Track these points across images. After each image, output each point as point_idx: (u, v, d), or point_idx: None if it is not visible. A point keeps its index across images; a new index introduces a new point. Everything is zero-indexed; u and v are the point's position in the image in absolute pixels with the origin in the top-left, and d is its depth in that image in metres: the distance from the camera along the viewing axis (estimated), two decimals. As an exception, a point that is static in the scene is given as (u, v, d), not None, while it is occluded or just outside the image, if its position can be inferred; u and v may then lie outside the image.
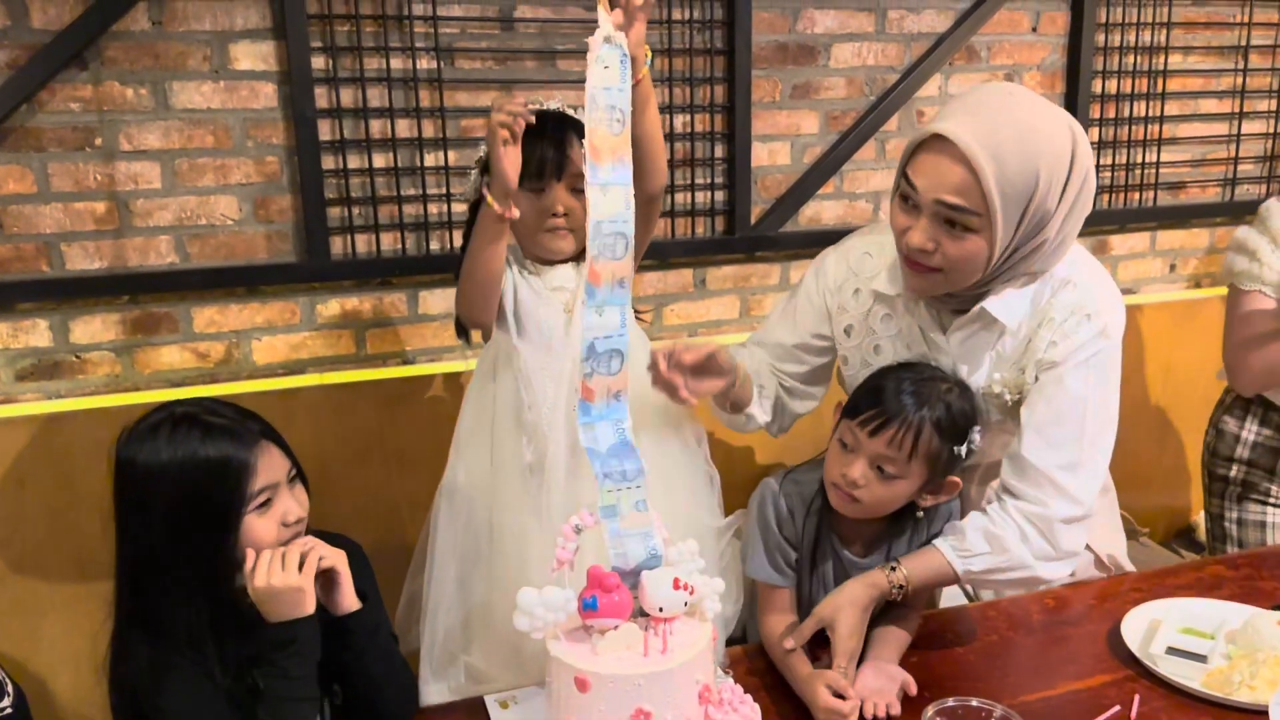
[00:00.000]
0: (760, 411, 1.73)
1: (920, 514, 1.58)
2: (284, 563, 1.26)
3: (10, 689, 1.26)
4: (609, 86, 1.29)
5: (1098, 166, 2.80)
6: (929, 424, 1.47)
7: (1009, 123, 1.41)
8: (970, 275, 1.48)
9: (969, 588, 1.78)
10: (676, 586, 1.30)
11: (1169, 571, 1.85)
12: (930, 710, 0.93)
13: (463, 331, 1.75)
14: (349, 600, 1.33)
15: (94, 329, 2.11)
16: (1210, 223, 2.98)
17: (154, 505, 1.28)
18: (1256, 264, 1.97)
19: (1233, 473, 2.15)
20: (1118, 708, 1.40)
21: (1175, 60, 2.80)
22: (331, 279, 2.23)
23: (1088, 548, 1.80)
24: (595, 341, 1.29)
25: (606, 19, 1.33)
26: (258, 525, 1.30)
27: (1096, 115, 2.77)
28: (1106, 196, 2.85)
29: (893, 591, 1.51)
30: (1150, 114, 2.81)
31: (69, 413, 2.06)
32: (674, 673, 1.24)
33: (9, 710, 1.24)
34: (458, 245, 2.27)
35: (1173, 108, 2.84)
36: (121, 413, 2.09)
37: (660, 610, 1.30)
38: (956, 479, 1.54)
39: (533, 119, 1.45)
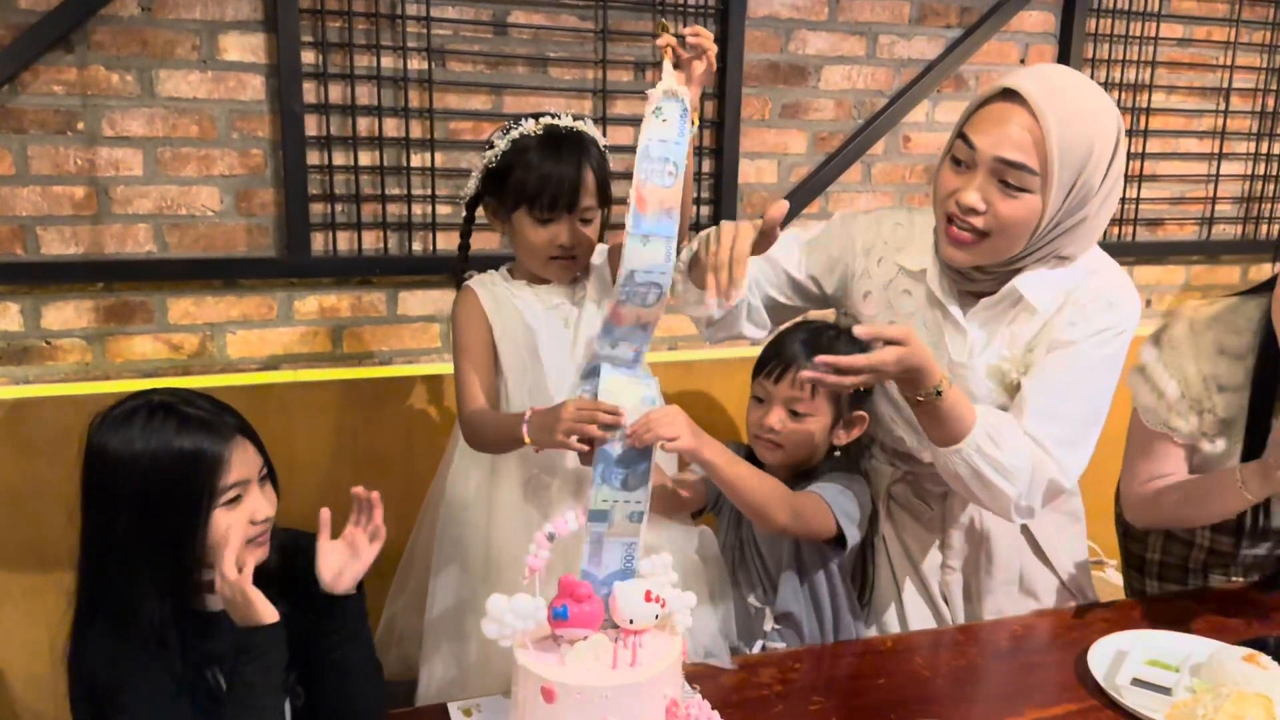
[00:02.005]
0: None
1: (837, 453, 1.69)
2: (232, 582, 1.23)
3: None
4: (665, 139, 1.30)
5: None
6: None
7: (1073, 92, 1.47)
8: (1016, 241, 1.49)
9: (939, 601, 1.79)
10: (648, 599, 1.29)
11: (1136, 603, 1.86)
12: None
13: None
14: (346, 582, 1.31)
15: (66, 315, 2.08)
16: (1186, 260, 3.02)
17: (123, 494, 1.25)
18: (1163, 404, 1.70)
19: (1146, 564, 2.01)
20: (1082, 737, 1.41)
21: (1159, 99, 2.85)
22: (311, 275, 2.22)
23: (1055, 574, 1.81)
24: (635, 271, 1.29)
25: (671, 74, 1.35)
26: (225, 521, 1.28)
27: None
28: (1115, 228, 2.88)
29: (937, 381, 1.44)
30: (1132, 150, 2.85)
31: (37, 399, 2.03)
32: (642, 686, 1.23)
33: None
34: (440, 247, 2.28)
35: (1154, 145, 2.88)
36: (91, 401, 2.03)
37: (631, 622, 1.29)
38: (864, 413, 1.68)
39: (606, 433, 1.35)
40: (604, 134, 2.31)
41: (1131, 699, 1.48)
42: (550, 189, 1.55)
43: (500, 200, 1.62)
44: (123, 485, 1.25)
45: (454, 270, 1.73)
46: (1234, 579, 1.89)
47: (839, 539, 1.63)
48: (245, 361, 2.22)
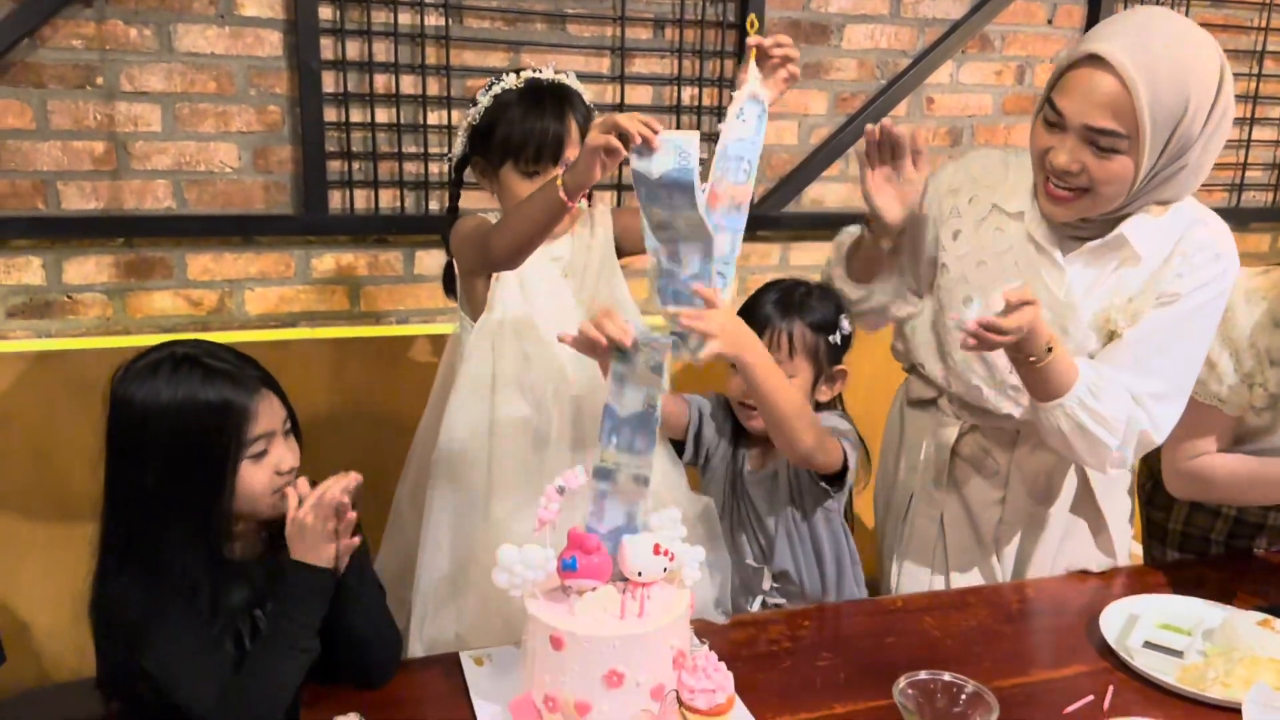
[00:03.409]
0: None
1: (821, 412, 1.68)
2: (322, 509, 1.26)
3: (-16, 619, 1.25)
4: (743, 138, 1.36)
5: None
6: (798, 321, 1.64)
7: (1164, 46, 1.43)
8: (1115, 197, 1.49)
9: (991, 557, 1.80)
10: (657, 552, 1.30)
11: (1153, 569, 1.85)
12: (902, 681, 0.93)
13: (451, 289, 1.72)
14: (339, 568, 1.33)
15: (87, 270, 2.10)
16: (1214, 227, 2.97)
17: (151, 445, 1.26)
18: (1214, 376, 1.68)
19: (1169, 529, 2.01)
20: (1090, 697, 1.40)
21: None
22: (328, 233, 2.22)
23: (1106, 532, 1.79)
24: (729, 145, 1.34)
25: (756, 76, 1.37)
26: (252, 473, 1.29)
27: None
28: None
29: (1047, 339, 1.45)
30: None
31: (58, 352, 2.05)
32: (649, 636, 1.24)
33: (-19, 640, 1.24)
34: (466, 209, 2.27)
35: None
36: (112, 355, 2.05)
37: (639, 575, 1.30)
38: (844, 368, 1.70)
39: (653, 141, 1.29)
40: (622, 92, 2.34)
41: (1142, 661, 1.47)
42: (534, 141, 1.55)
43: (487, 158, 1.60)
44: (150, 436, 1.26)
45: (443, 234, 1.71)
46: (1257, 549, 1.87)
47: (836, 478, 1.63)
48: (264, 318, 2.24)
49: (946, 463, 1.77)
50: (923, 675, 0.94)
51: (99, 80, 2.02)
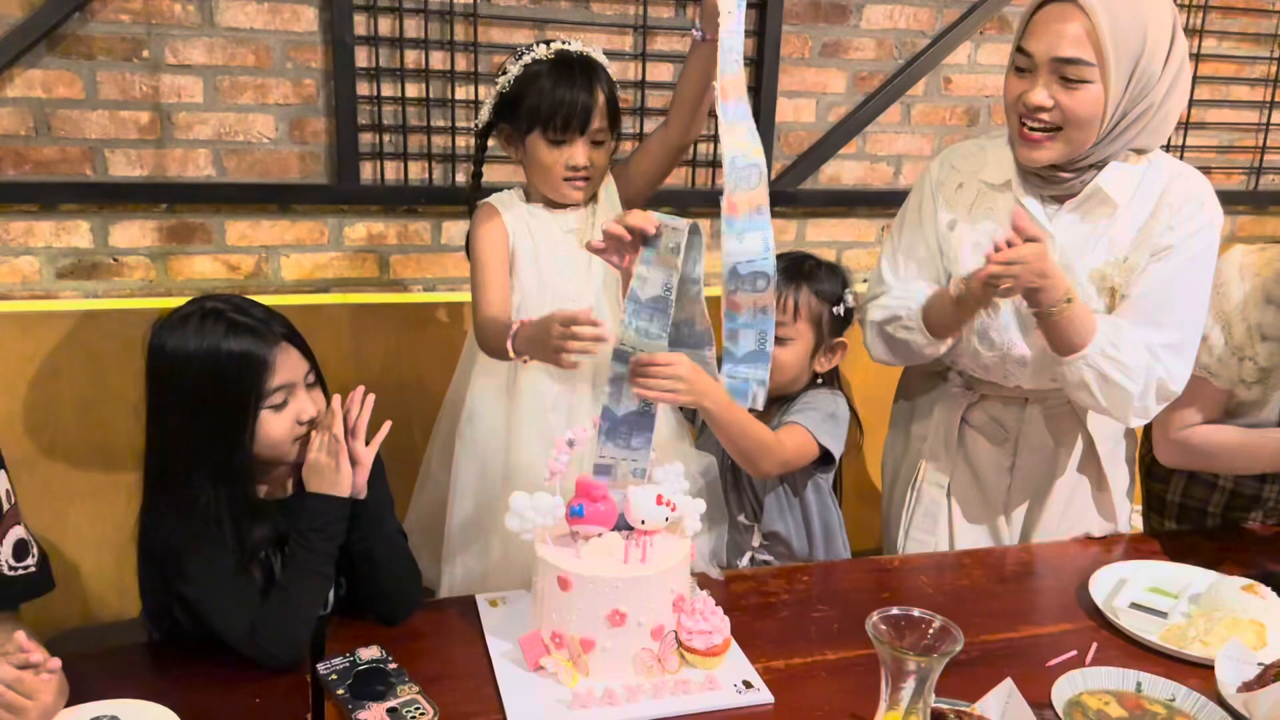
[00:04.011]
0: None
1: (820, 380, 1.77)
2: (331, 445, 1.38)
3: (35, 550, 1.35)
4: (729, 30, 1.43)
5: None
6: (805, 287, 1.72)
7: None
8: (1088, 130, 1.56)
9: (999, 522, 1.86)
10: (659, 503, 1.38)
11: (1149, 537, 1.90)
12: (874, 616, 1.00)
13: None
14: (358, 489, 1.42)
15: (132, 234, 2.21)
16: (1233, 210, 2.98)
17: (179, 390, 1.37)
18: (1205, 349, 1.72)
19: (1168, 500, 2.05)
20: (1074, 652, 1.46)
21: (1209, 44, 2.80)
22: (359, 203, 2.31)
23: (1108, 500, 1.85)
24: (737, 264, 1.42)
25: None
26: (272, 421, 1.39)
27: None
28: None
29: (1066, 288, 1.53)
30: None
31: (104, 311, 2.16)
32: (650, 579, 1.33)
33: (32, 569, 1.34)
34: (488, 180, 2.34)
35: (1203, 92, 2.84)
36: (153, 315, 2.15)
37: (642, 523, 1.38)
38: (844, 340, 1.77)
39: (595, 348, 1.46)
40: (644, 69, 2.40)
41: (1127, 620, 1.54)
42: (563, 110, 1.60)
43: (514, 125, 1.66)
44: (178, 382, 1.37)
45: (467, 200, 1.79)
46: (1252, 521, 1.92)
47: (825, 458, 1.71)
48: (299, 284, 2.33)
49: (956, 431, 1.84)
50: (894, 611, 1.01)
51: (145, 53, 2.11)
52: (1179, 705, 1.28)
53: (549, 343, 1.46)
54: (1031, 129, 1.58)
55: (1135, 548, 1.83)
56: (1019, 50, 1.58)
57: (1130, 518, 1.94)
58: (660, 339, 1.40)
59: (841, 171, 2.65)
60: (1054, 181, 1.64)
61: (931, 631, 0.99)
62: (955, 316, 1.64)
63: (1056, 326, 1.57)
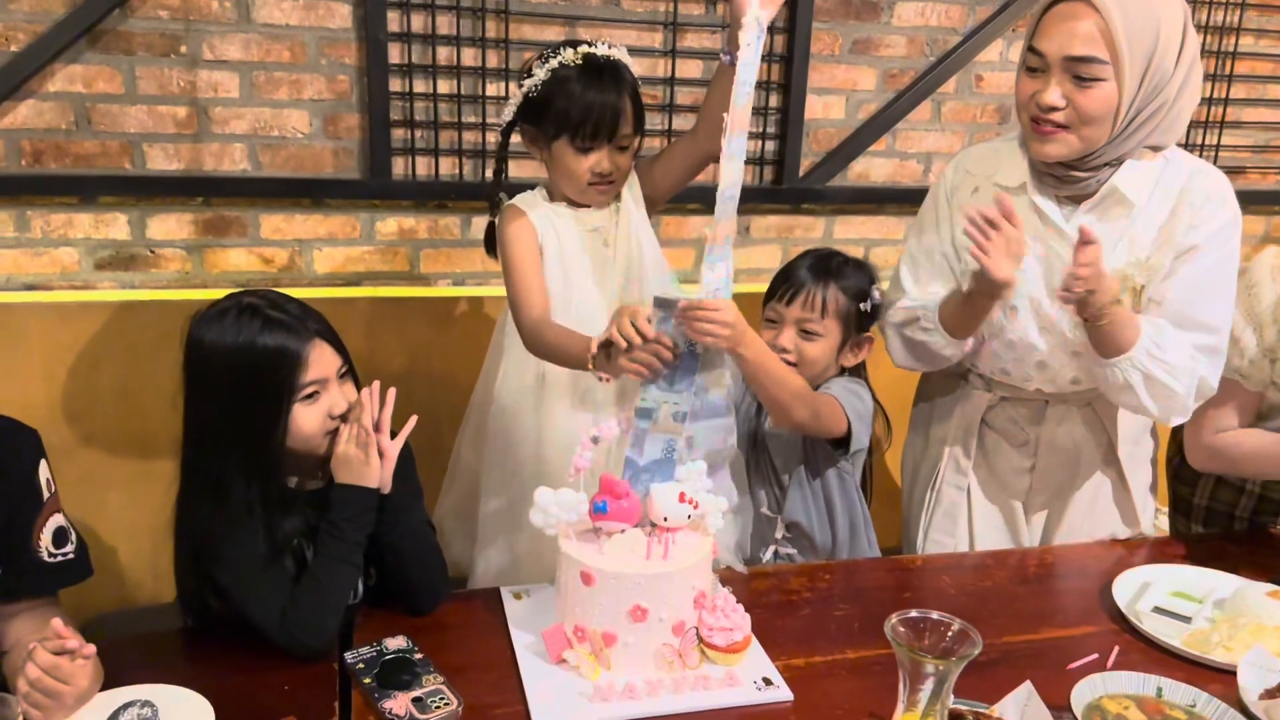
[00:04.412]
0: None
1: (845, 375, 1.78)
2: (360, 437, 1.41)
3: (74, 538, 1.39)
4: (746, 61, 1.41)
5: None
6: (833, 284, 1.75)
7: None
8: (1102, 128, 1.55)
9: (1020, 523, 1.86)
10: (682, 500, 1.40)
11: (1174, 540, 1.89)
12: (894, 619, 1.01)
13: (492, 248, 1.81)
14: (383, 482, 1.45)
15: (169, 226, 2.25)
16: (1268, 210, 2.95)
17: (214, 382, 1.41)
18: (1236, 350, 1.72)
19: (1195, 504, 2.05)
20: (1095, 655, 1.46)
21: (1246, 42, 2.76)
22: (391, 198, 2.34)
23: (1129, 502, 1.84)
24: (726, 188, 1.43)
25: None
26: (304, 415, 1.42)
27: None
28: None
29: (1107, 303, 1.52)
30: (1215, 95, 2.78)
31: (141, 302, 2.21)
32: (672, 576, 1.35)
33: (71, 556, 1.38)
34: (513, 176, 2.36)
35: (1239, 90, 2.81)
36: (190, 307, 2.19)
37: (665, 520, 1.40)
38: (870, 335, 1.79)
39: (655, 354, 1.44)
40: (673, 66, 2.41)
41: (1150, 624, 1.53)
42: (593, 119, 1.61)
43: (540, 128, 1.67)
44: (214, 375, 1.40)
45: (488, 196, 1.80)
46: (1275, 527, 1.91)
47: (845, 442, 1.71)
48: (331, 277, 2.37)
49: (975, 433, 1.84)
50: (913, 614, 1.02)
51: (182, 49, 2.15)
52: (1199, 711, 1.28)
53: (620, 357, 1.45)
54: (1044, 124, 1.57)
55: (1160, 551, 1.82)
56: (1031, 50, 1.57)
57: (1154, 520, 1.93)
58: (688, 390, 1.46)
59: (871, 169, 2.64)
60: (1069, 181, 1.63)
61: (950, 634, 1.00)
62: (970, 313, 1.64)
63: (1103, 332, 1.56)
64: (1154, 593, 1.62)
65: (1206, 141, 2.82)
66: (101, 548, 2.21)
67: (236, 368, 1.39)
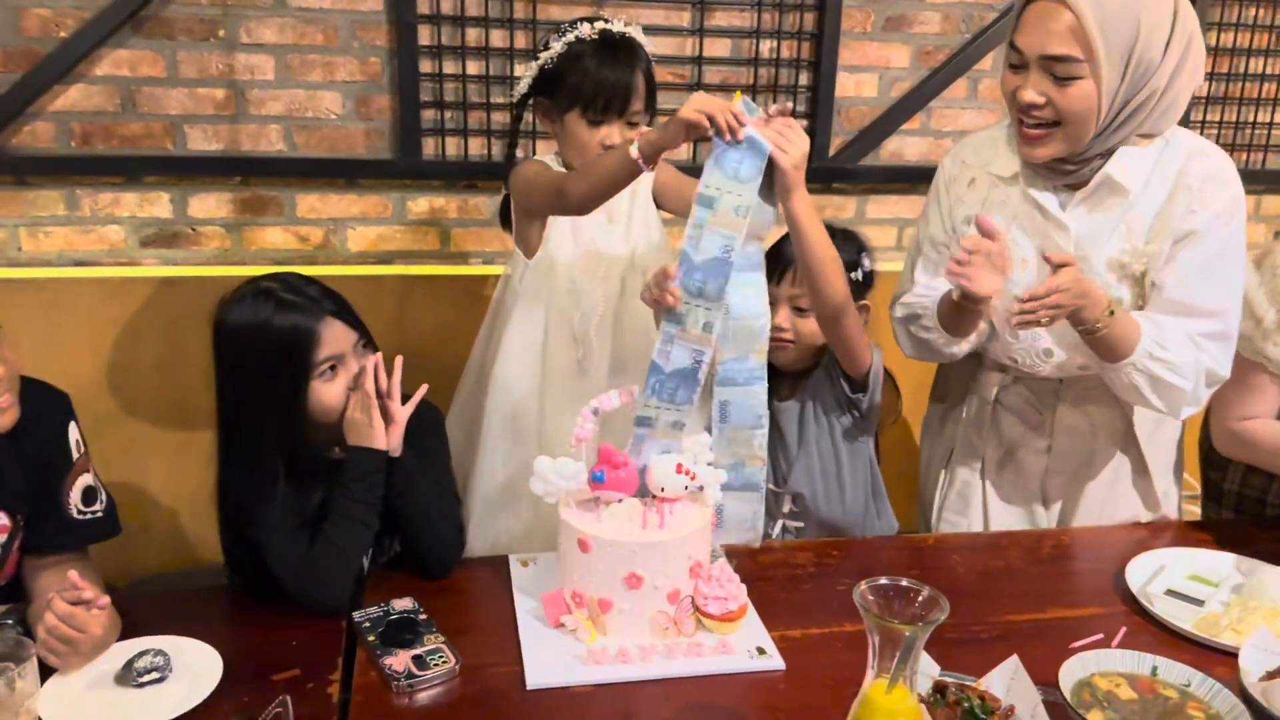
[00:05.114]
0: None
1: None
2: (363, 402, 1.47)
3: (103, 497, 1.46)
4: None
5: (1204, 122, 2.72)
6: None
7: None
8: (1085, 125, 1.53)
9: (1036, 504, 1.84)
10: (679, 471, 1.42)
11: (1197, 526, 1.86)
12: (862, 585, 1.02)
13: (507, 223, 1.85)
14: (393, 446, 1.50)
15: (209, 205, 2.33)
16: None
17: (237, 362, 1.48)
18: (1260, 332, 1.71)
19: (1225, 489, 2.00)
20: (1100, 635, 1.45)
21: (1303, 15, 2.67)
22: (422, 178, 2.39)
23: (1149, 487, 1.81)
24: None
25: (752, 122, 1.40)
26: (324, 389, 1.48)
27: (1209, 69, 2.67)
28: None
29: (1106, 305, 1.52)
30: (1267, 71, 2.70)
31: (183, 278, 2.30)
32: (667, 544, 1.37)
33: (100, 514, 1.45)
34: (541, 153, 2.40)
35: (1291, 67, 2.72)
36: (228, 283, 2.28)
37: (662, 490, 1.42)
38: (866, 303, 1.75)
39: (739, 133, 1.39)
40: (700, 45, 2.41)
41: (1161, 607, 1.51)
42: (604, 93, 1.64)
43: (553, 101, 1.70)
44: (236, 356, 1.48)
45: (503, 173, 1.83)
46: None
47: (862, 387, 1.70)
48: (364, 255, 2.43)
49: (989, 413, 1.82)
50: (882, 581, 1.03)
51: (221, 33, 2.22)
52: (1193, 691, 1.27)
53: (692, 105, 1.39)
54: (1029, 125, 1.55)
55: (1182, 535, 1.79)
56: (1012, 46, 1.55)
57: (1180, 503, 1.90)
58: (689, 403, 1.44)
59: (904, 147, 2.62)
60: (1060, 173, 1.61)
61: (919, 601, 1.01)
62: (961, 318, 1.62)
63: (1103, 341, 1.55)
64: (1169, 575, 1.60)
65: (1259, 119, 2.74)
66: (143, 512, 2.31)
67: (256, 347, 1.45)
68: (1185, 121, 2.69)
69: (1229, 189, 1.58)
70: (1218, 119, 2.73)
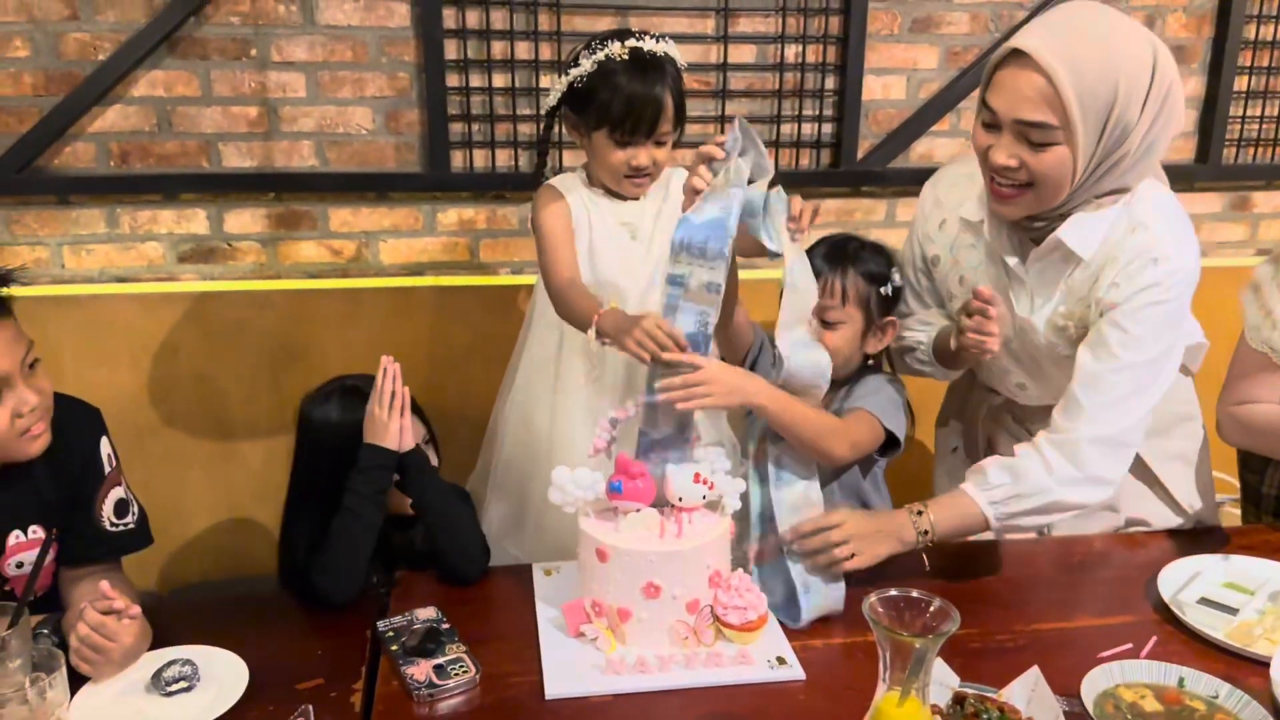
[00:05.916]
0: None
1: (870, 361, 1.76)
2: (380, 400, 1.52)
3: (135, 509, 1.50)
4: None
5: (1242, 117, 2.67)
6: (851, 270, 1.68)
7: (1086, 34, 1.42)
8: (1058, 188, 1.49)
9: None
10: (697, 481, 1.42)
11: (1236, 531, 1.82)
12: (872, 596, 1.01)
13: None
14: (406, 441, 1.54)
15: (244, 221, 2.38)
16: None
17: (323, 448, 1.59)
18: (1269, 322, 1.69)
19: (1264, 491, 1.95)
20: (1129, 645, 1.42)
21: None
22: (451, 190, 2.42)
23: (1166, 494, 1.79)
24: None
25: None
26: None
27: (1246, 63, 2.61)
28: (1251, 150, 2.70)
29: (919, 539, 1.54)
30: (1276, 64, 2.64)
31: (220, 293, 2.35)
32: (685, 554, 1.37)
33: (131, 525, 1.49)
34: (568, 164, 2.42)
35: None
36: (263, 297, 2.36)
37: (680, 500, 1.42)
38: (893, 319, 1.73)
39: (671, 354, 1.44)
40: (725, 52, 2.41)
41: (1193, 615, 1.48)
42: (633, 115, 1.63)
43: (582, 117, 1.70)
44: (322, 444, 1.60)
45: (534, 183, 1.85)
46: None
47: (886, 445, 1.69)
48: (395, 267, 2.47)
49: (983, 430, 1.83)
50: (892, 592, 1.02)
51: (253, 52, 2.27)
52: (1221, 702, 1.24)
53: (632, 333, 1.44)
54: (1001, 185, 1.50)
55: (1218, 541, 1.75)
56: (984, 104, 1.49)
57: (1215, 509, 1.86)
58: (720, 259, 1.41)
59: (934, 149, 2.59)
60: (1026, 226, 1.58)
61: (930, 612, 1.00)
62: (959, 361, 1.68)
63: (950, 536, 1.56)
64: (1202, 583, 1.56)
65: (1266, 113, 2.68)
66: (181, 524, 2.36)
67: (344, 441, 1.54)
68: (1225, 118, 2.64)
69: (1161, 266, 1.49)
70: (1258, 114, 2.67)
